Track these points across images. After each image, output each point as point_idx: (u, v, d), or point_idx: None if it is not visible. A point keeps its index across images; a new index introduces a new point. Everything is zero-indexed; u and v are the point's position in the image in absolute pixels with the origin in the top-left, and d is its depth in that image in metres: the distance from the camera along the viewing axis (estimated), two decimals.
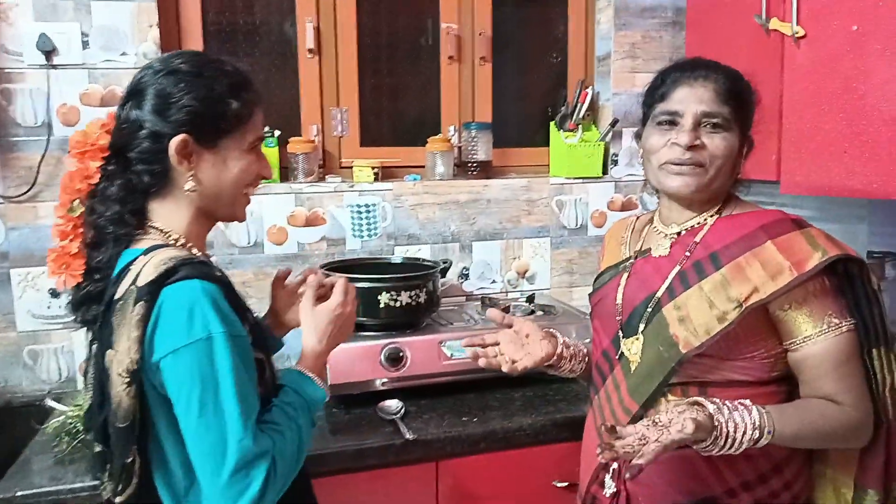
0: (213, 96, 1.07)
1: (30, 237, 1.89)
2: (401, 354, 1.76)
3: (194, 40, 2.09)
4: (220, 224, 2.00)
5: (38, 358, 1.94)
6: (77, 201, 1.15)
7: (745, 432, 1.08)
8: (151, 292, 0.99)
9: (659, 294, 1.26)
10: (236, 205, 1.16)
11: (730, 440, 1.07)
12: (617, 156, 2.35)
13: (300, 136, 2.18)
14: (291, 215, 2.08)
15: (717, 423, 1.06)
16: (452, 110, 2.34)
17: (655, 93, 1.29)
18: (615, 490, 1.27)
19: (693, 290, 1.21)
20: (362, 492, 1.57)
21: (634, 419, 1.24)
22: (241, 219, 1.21)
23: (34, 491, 1.43)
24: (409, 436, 1.58)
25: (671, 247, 1.29)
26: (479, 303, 2.16)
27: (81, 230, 1.15)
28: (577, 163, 2.29)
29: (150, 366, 1.00)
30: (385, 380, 1.75)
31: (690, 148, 1.21)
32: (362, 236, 2.15)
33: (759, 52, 1.83)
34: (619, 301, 1.32)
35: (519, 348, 1.35)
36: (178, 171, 1.08)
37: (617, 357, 1.31)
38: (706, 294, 1.19)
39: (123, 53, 1.92)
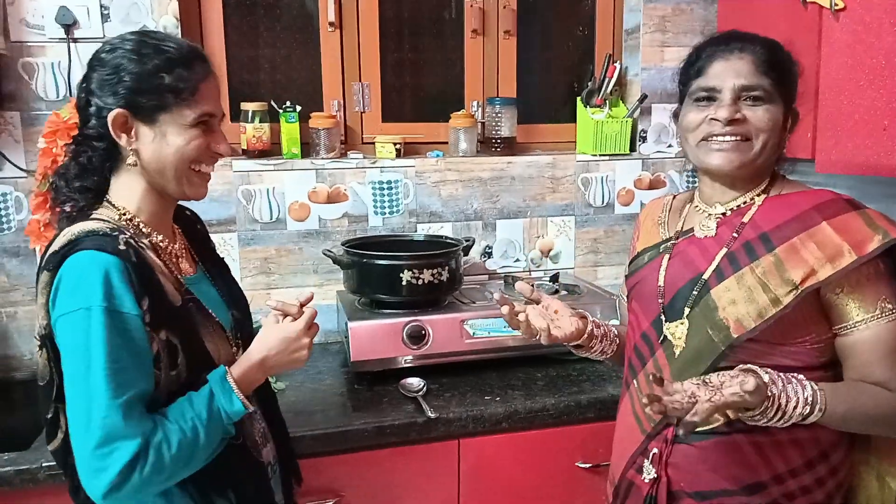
0: (148, 71, 1.09)
1: None
2: (423, 332, 1.74)
3: (214, 14, 2.07)
4: (241, 200, 2.01)
5: None
6: (50, 177, 1.18)
7: (796, 406, 1.05)
8: (56, 262, 1.04)
9: (706, 276, 1.20)
10: (184, 182, 1.15)
11: (780, 412, 1.05)
12: (646, 132, 2.30)
13: (322, 111, 2.15)
14: (313, 191, 2.07)
15: (770, 393, 1.04)
16: (476, 85, 2.30)
17: (691, 69, 1.24)
18: (655, 476, 1.22)
19: (745, 272, 1.16)
20: (384, 469, 1.57)
21: None
22: (195, 197, 1.19)
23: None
24: (431, 414, 1.57)
25: (717, 227, 1.24)
26: (503, 281, 2.13)
27: (50, 204, 1.18)
28: (603, 139, 2.24)
29: (52, 329, 1.04)
30: (408, 357, 1.74)
31: (731, 122, 1.16)
32: (384, 213, 2.13)
33: (795, 25, 1.76)
34: (661, 283, 1.27)
35: (548, 323, 1.31)
36: (123, 147, 1.11)
37: (659, 341, 1.26)
38: (759, 276, 1.15)
39: (143, 27, 1.90)
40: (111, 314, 1.00)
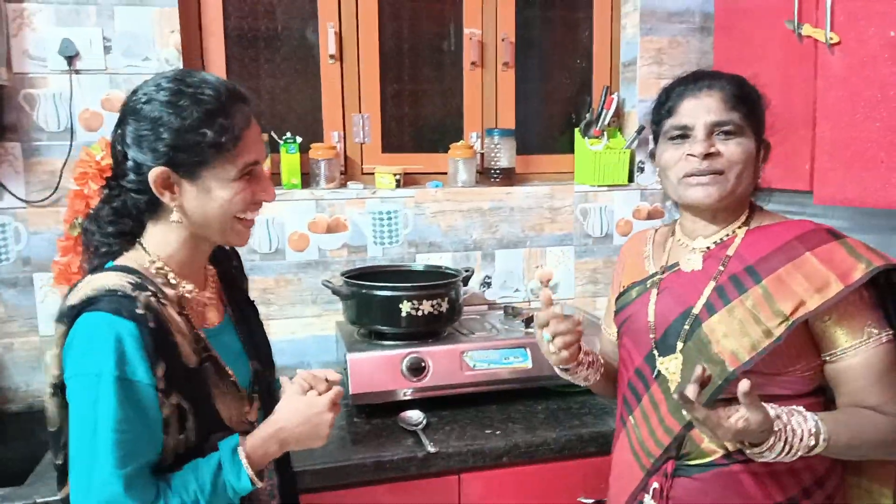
0: (187, 126, 1.03)
1: (52, 242, 1.89)
2: (422, 364, 1.73)
3: (215, 46, 2.09)
4: None
5: None
6: (78, 219, 1.16)
7: (801, 439, 1.06)
8: (71, 317, 1.01)
9: (696, 310, 1.22)
10: (229, 232, 1.12)
11: (787, 446, 1.06)
12: (643, 163, 2.31)
13: (322, 142, 2.17)
14: (313, 222, 2.07)
15: (777, 428, 1.05)
16: (475, 116, 2.31)
17: (662, 109, 1.28)
18: None
19: (735, 305, 1.18)
20: None
21: (677, 440, 1.22)
22: (239, 244, 1.17)
23: (54, 497, 1.42)
24: (430, 448, 1.55)
25: (704, 261, 1.26)
26: (502, 312, 2.12)
27: (80, 248, 1.15)
28: (602, 170, 2.25)
29: (63, 382, 1.03)
30: (407, 390, 1.73)
31: (707, 157, 1.19)
32: (384, 243, 2.13)
33: (791, 58, 1.78)
34: (651, 318, 1.28)
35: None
36: (166, 203, 1.07)
37: (654, 376, 1.27)
38: (749, 308, 1.17)
39: (146, 59, 1.91)
40: (122, 383, 0.97)
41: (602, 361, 1.41)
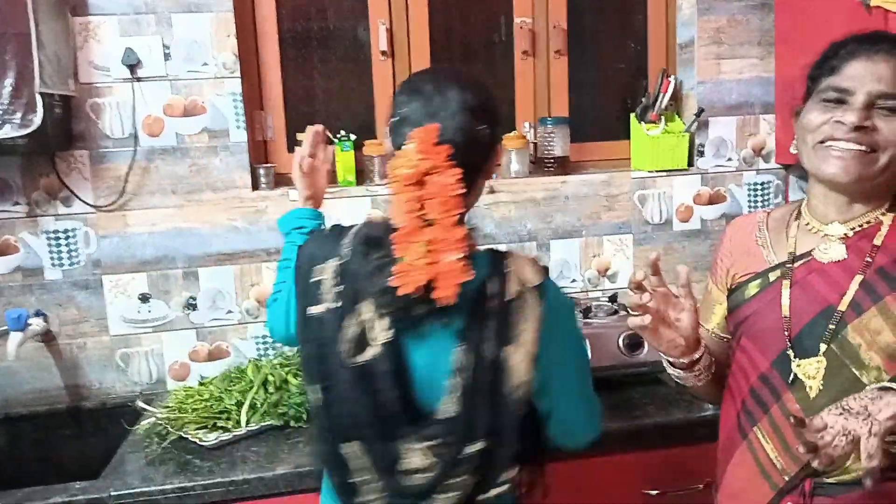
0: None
1: (120, 245, 1.96)
2: None
3: (271, 48, 2.12)
4: None
5: (130, 361, 2.01)
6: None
7: None
8: (540, 291, 1.12)
9: (841, 308, 1.08)
10: None
11: None
12: (703, 146, 2.24)
13: (375, 138, 2.18)
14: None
15: None
16: (527, 106, 2.29)
17: (825, 65, 1.11)
18: None
19: (887, 302, 1.05)
20: None
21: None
22: None
23: (127, 491, 1.48)
24: None
25: (847, 250, 1.11)
26: None
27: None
28: (660, 155, 2.19)
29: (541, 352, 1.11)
30: None
31: (857, 129, 1.04)
32: None
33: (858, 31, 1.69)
34: (786, 314, 1.12)
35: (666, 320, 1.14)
36: None
37: (788, 381, 1.11)
38: None
39: (204, 64, 1.96)
40: None
41: (713, 359, 1.25)
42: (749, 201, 2.28)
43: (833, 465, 0.94)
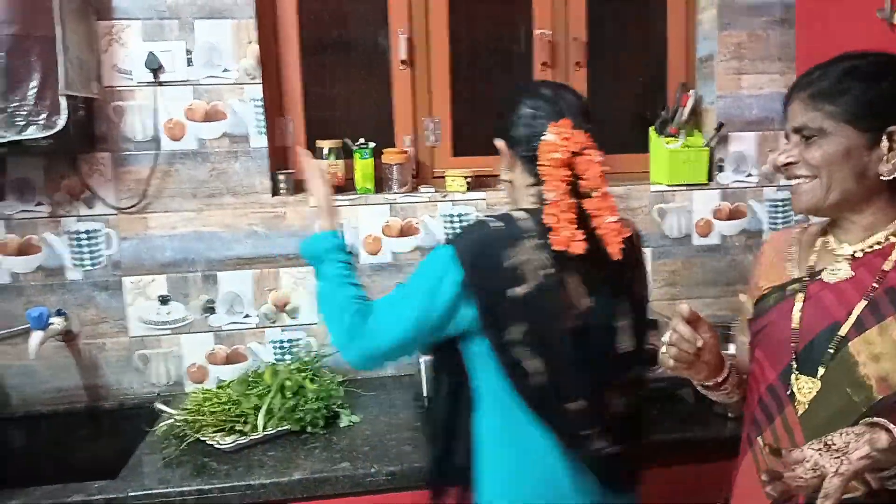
0: None
1: (140, 247, 1.98)
2: None
3: (292, 55, 2.14)
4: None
5: (149, 362, 2.02)
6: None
7: None
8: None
9: (843, 331, 1.08)
10: None
11: None
12: (723, 161, 2.24)
13: (394, 146, 2.19)
14: (386, 225, 2.09)
15: None
16: None
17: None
18: None
19: (890, 323, 1.05)
20: None
21: None
22: None
23: (145, 492, 1.48)
24: None
25: (855, 270, 1.11)
26: None
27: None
28: (679, 169, 2.19)
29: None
30: None
31: (785, 167, 1.13)
32: None
33: (881, 48, 1.68)
34: (795, 326, 1.13)
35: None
36: None
37: (788, 394, 1.13)
38: None
39: (225, 70, 1.98)
40: None
41: (742, 377, 1.26)
42: (770, 218, 2.27)
43: (788, 496, 0.96)
